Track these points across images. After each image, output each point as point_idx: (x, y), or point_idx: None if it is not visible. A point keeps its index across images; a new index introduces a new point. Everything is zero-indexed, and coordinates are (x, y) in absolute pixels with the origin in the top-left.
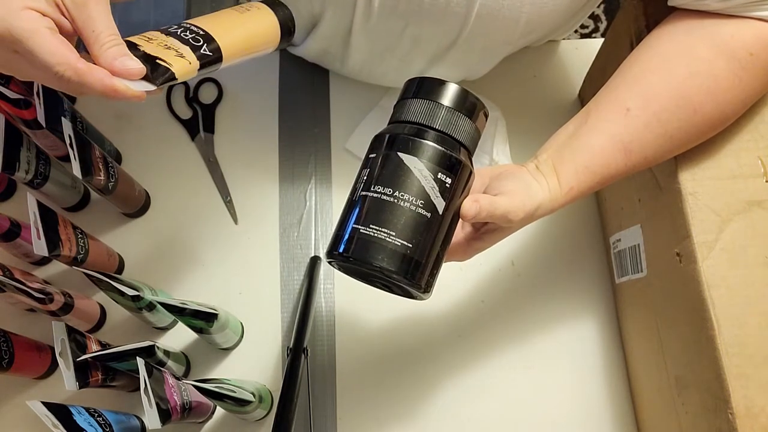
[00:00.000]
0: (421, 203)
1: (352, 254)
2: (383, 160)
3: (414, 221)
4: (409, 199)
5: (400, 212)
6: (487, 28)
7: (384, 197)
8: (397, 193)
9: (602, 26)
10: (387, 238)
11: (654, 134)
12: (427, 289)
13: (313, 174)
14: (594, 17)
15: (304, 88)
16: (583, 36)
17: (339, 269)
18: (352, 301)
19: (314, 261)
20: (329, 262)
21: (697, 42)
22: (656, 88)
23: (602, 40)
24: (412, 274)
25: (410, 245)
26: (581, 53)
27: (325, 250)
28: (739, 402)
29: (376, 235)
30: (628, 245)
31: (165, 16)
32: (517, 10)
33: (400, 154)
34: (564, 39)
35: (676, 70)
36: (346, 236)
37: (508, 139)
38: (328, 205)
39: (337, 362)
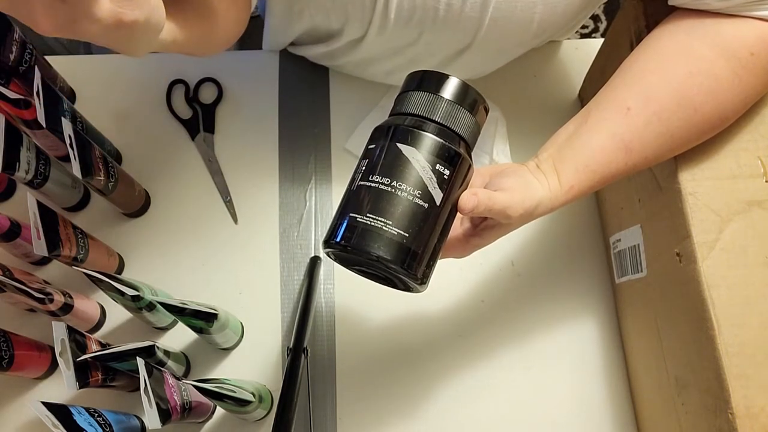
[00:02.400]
0: (418, 193)
1: (349, 243)
2: (382, 151)
3: (411, 211)
4: (406, 189)
5: (397, 201)
6: (502, 31)
7: (381, 187)
8: (394, 183)
9: (602, 26)
10: (384, 227)
11: (654, 133)
12: (423, 280)
13: (313, 174)
14: (594, 17)
15: (304, 88)
16: (583, 36)
17: (335, 260)
18: (352, 301)
19: (314, 261)
20: (326, 253)
21: (698, 41)
22: (656, 87)
23: (602, 40)
24: (409, 264)
25: (406, 234)
26: (581, 53)
27: (322, 240)
28: (739, 402)
29: (372, 223)
30: (628, 245)
31: None
32: (530, 10)
33: (399, 144)
34: (564, 39)
35: (676, 69)
36: (344, 225)
37: (508, 138)
38: (328, 205)
39: (337, 362)
